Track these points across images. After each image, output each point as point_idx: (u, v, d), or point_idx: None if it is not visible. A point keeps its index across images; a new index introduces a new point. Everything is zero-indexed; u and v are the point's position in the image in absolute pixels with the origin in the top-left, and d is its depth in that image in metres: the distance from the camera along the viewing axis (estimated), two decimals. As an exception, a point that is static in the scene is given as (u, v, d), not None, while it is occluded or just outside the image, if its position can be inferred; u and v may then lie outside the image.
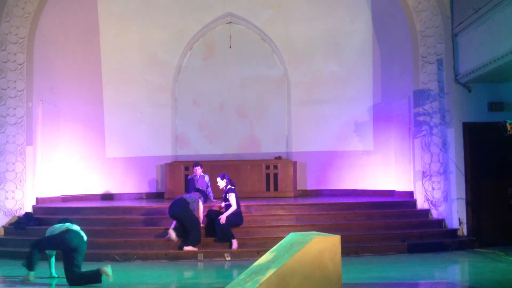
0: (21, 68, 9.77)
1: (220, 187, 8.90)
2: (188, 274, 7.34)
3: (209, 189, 10.33)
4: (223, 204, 8.77)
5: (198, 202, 8.46)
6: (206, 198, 10.08)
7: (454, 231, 9.03)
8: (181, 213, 8.23)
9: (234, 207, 8.50)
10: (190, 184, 9.80)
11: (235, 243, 8.23)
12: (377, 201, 9.98)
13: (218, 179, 8.82)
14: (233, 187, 8.70)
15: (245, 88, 13.15)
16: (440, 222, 9.29)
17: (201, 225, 8.45)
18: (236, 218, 8.55)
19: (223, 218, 8.35)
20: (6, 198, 9.57)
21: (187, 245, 8.12)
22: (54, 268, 6.90)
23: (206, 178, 10.43)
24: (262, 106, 13.13)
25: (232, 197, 8.52)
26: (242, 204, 9.29)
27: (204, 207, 9.23)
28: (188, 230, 8.20)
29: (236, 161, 12.29)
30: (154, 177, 12.56)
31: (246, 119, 13.14)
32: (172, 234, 8.18)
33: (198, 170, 10.29)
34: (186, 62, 13.17)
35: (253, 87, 13.12)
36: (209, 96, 13.15)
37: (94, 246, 8.20)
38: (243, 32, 13.12)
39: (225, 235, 8.31)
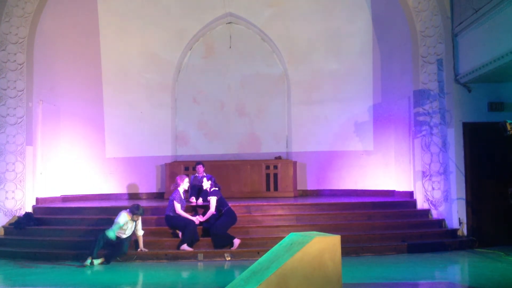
0: (21, 68, 9.77)
1: (204, 187, 8.95)
2: (188, 274, 7.34)
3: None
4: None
5: (173, 204, 8.52)
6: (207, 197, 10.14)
7: (454, 231, 9.03)
8: (171, 222, 8.51)
9: (212, 210, 8.50)
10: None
11: (236, 242, 8.21)
12: (377, 201, 9.98)
13: (204, 179, 8.92)
14: (216, 189, 8.72)
15: (245, 87, 13.17)
16: (440, 222, 9.29)
17: (197, 222, 8.47)
18: (230, 219, 8.48)
19: (196, 221, 8.43)
20: (6, 198, 9.57)
21: (182, 244, 8.22)
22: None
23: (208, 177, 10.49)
24: (262, 105, 13.15)
25: (212, 200, 8.51)
26: (242, 204, 9.37)
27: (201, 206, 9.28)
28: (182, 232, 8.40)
29: (236, 161, 12.29)
30: (154, 177, 12.56)
31: (246, 117, 13.15)
32: (186, 248, 8.25)
33: (200, 169, 10.40)
34: (186, 62, 13.18)
35: (253, 86, 13.14)
36: (209, 94, 13.17)
37: (94, 246, 8.22)
38: (243, 32, 13.13)
39: (223, 240, 8.29)
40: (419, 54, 9.74)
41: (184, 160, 12.60)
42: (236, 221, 8.58)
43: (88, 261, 7.61)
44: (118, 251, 7.87)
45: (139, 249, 8.14)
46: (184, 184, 8.76)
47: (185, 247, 8.15)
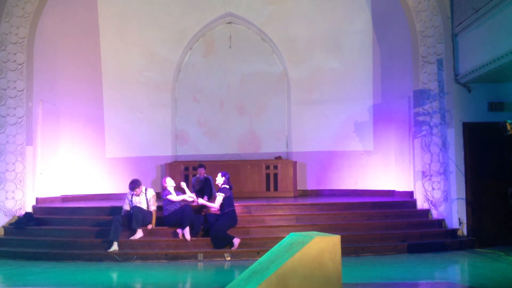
0: (21, 68, 9.78)
1: (216, 182, 8.92)
2: (188, 274, 7.34)
3: (213, 190, 10.39)
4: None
5: (167, 203, 8.74)
6: (210, 197, 10.17)
7: (454, 231, 9.03)
8: (169, 220, 8.66)
9: (213, 205, 8.57)
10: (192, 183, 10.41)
11: (236, 242, 8.20)
12: (377, 201, 9.98)
13: (219, 175, 8.83)
14: (227, 187, 8.66)
15: (245, 86, 13.18)
16: (440, 222, 9.29)
17: (195, 201, 8.80)
18: (230, 220, 8.47)
19: (196, 201, 8.83)
20: (6, 198, 9.57)
21: (183, 228, 8.39)
22: None
23: (209, 179, 10.54)
24: (262, 104, 13.16)
25: (219, 197, 8.51)
26: (242, 204, 9.36)
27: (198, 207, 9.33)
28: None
29: (236, 161, 12.30)
30: (155, 177, 12.56)
31: (246, 116, 13.16)
32: (186, 234, 8.38)
33: (202, 171, 10.47)
34: (187, 61, 13.19)
35: (253, 85, 13.16)
36: (209, 93, 13.19)
37: (94, 246, 8.25)
38: (243, 32, 13.14)
39: (222, 241, 8.28)
40: (419, 54, 9.74)
41: (184, 160, 12.60)
42: (236, 223, 8.57)
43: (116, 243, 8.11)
44: (135, 217, 8.36)
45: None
46: (170, 183, 8.94)
47: (186, 232, 8.26)
